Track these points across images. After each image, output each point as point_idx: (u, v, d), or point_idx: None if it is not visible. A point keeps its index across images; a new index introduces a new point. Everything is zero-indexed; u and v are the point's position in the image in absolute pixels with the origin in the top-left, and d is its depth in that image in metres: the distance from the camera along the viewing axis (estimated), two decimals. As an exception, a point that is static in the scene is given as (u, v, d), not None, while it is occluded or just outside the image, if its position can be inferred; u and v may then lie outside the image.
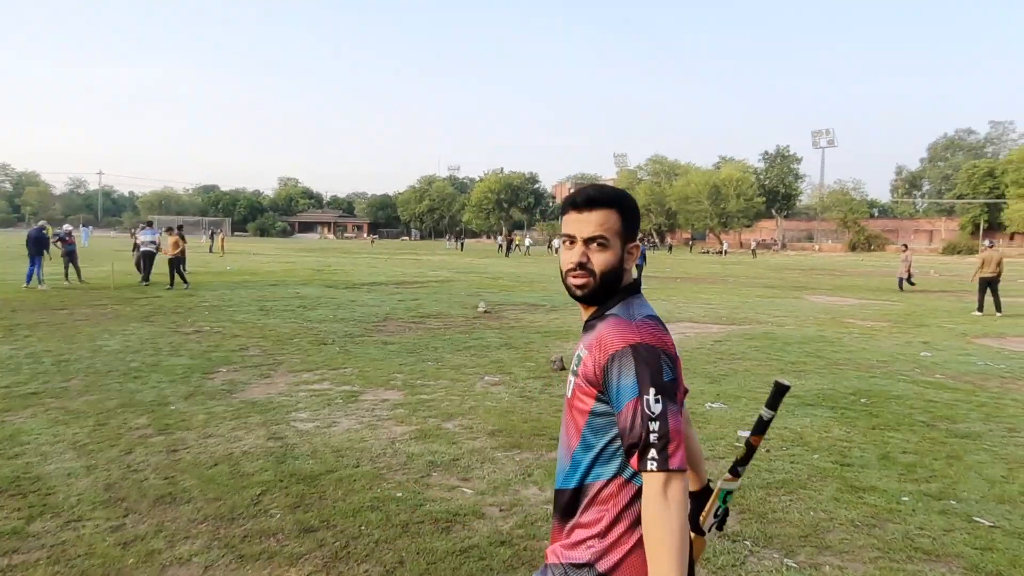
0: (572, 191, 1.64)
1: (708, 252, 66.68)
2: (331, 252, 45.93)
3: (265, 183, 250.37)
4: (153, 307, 12.99)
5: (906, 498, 4.27)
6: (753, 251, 58.29)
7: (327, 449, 4.79)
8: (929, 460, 5.02)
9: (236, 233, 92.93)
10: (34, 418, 5.41)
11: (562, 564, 1.49)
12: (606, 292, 1.53)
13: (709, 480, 1.78)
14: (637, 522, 1.44)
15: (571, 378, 1.54)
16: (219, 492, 3.99)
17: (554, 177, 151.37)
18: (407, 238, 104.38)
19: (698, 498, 1.72)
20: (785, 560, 3.43)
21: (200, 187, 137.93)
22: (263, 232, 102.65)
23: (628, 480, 1.45)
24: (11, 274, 19.53)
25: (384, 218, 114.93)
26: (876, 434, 5.65)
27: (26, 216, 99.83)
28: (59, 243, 18.78)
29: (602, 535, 1.46)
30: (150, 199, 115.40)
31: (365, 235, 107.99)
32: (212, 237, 42.66)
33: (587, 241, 1.52)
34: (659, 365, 1.38)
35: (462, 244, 60.43)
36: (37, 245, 16.71)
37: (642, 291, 1.63)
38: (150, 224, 21.32)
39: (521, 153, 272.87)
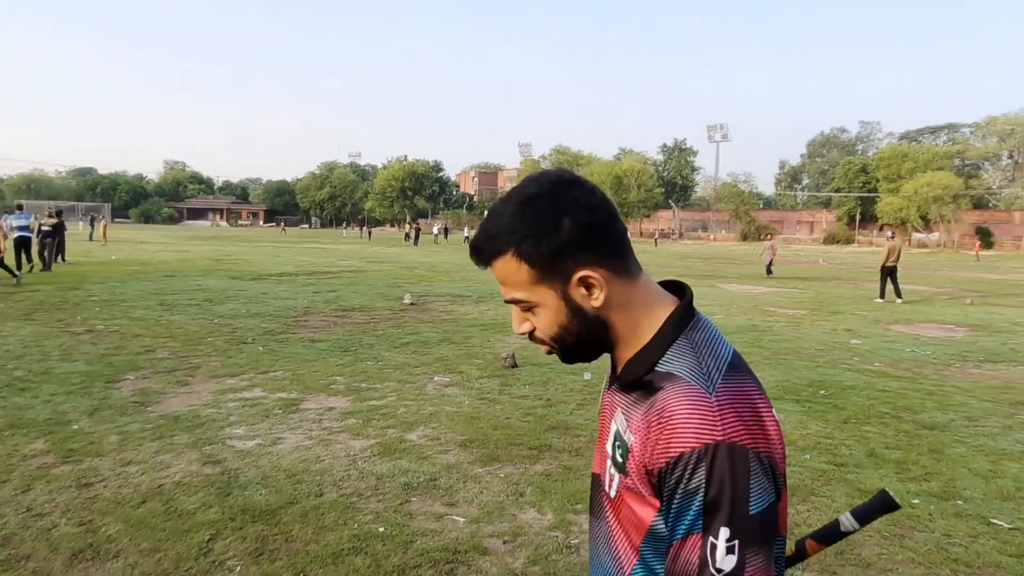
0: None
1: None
2: (228, 240, 43.27)
3: (149, 167, 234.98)
4: (32, 302, 11.42)
5: (916, 500, 4.07)
6: (656, 240, 59.95)
7: (279, 474, 4.07)
8: (915, 456, 4.89)
9: (117, 220, 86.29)
10: None
11: None
12: (593, 347, 1.01)
13: None
14: None
15: (614, 473, 0.98)
16: (155, 540, 3.21)
17: (458, 166, 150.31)
18: (307, 226, 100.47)
19: None
20: (834, 584, 3.09)
21: (75, 170, 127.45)
22: (148, 219, 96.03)
23: None
24: None
25: (282, 205, 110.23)
26: (852, 428, 5.51)
27: None
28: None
29: None
30: (16, 182, 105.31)
31: (261, 222, 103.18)
32: (92, 224, 39.13)
33: (516, 305, 1.01)
34: (747, 485, 0.84)
35: (370, 232, 58.51)
36: None
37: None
38: (20, 208, 19.84)
39: (424, 141, 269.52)
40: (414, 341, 8.70)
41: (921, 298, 16.88)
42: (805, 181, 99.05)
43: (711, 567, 0.83)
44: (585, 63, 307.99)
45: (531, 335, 1.02)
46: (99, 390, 5.90)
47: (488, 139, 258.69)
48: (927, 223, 63.11)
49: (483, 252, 0.98)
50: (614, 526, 1.00)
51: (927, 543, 3.50)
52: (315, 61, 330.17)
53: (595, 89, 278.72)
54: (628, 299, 0.98)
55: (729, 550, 0.83)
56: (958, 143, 72.89)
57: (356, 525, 3.43)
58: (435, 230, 55.13)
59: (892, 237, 16.89)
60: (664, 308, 0.99)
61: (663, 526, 0.90)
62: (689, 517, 0.85)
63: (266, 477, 4.02)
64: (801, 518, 3.75)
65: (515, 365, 7.25)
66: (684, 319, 0.97)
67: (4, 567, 2.96)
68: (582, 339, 1.00)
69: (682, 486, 0.85)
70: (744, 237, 73.28)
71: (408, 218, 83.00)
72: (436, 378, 6.75)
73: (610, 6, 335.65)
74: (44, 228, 18.78)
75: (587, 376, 6.96)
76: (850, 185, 74.12)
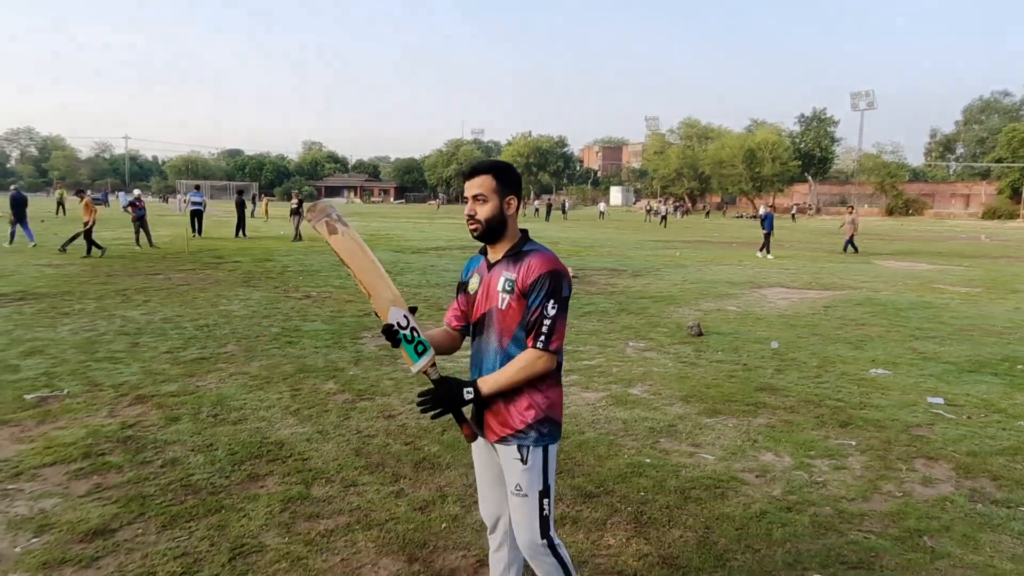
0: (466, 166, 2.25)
1: (742, 216, 65.84)
2: (368, 216, 45.92)
3: (289, 147, 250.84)
4: (243, 271, 13.07)
5: None
6: (793, 216, 57.45)
7: (540, 415, 4.81)
8: None
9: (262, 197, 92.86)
10: (223, 383, 5.47)
11: (528, 427, 2.10)
12: (493, 233, 2.14)
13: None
14: (542, 387, 2.12)
15: (504, 296, 2.10)
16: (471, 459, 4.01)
17: (581, 141, 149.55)
18: (434, 202, 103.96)
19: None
20: (1076, 528, 3.39)
21: (224, 151, 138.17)
22: (290, 197, 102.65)
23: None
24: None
25: (410, 182, 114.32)
26: (1062, 401, 5.56)
27: (53, 180, 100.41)
28: (129, 208, 19.01)
29: (535, 406, 2.12)
30: (177, 164, 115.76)
31: (392, 199, 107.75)
32: (254, 201, 42.72)
33: (474, 198, 2.11)
34: (562, 285, 2.05)
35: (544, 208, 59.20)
36: (19, 207, 17.82)
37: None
38: (197, 188, 25.30)
39: (546, 116, 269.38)
40: (594, 311, 9.33)
41: (1110, 277, 15.57)
42: (960, 151, 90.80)
43: (546, 312, 2.02)
44: (715, 32, 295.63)
45: (471, 216, 2.12)
46: (349, 344, 6.95)
47: (611, 113, 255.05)
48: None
49: (480, 169, 2.14)
50: (500, 325, 2.11)
51: None
52: (438, 40, 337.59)
53: (726, 58, 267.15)
54: (514, 219, 2.17)
55: (552, 307, 2.02)
56: None
57: (626, 456, 4.08)
58: (566, 205, 55.44)
59: None
60: (520, 230, 2.19)
61: (527, 312, 2.06)
62: (540, 297, 2.03)
63: (530, 417, 4.75)
64: (1031, 474, 4.03)
65: (701, 333, 7.70)
66: (528, 234, 2.21)
67: (367, 470, 3.83)
68: (495, 223, 2.12)
69: (539, 285, 2.04)
70: (890, 212, 68.61)
71: (533, 194, 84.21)
72: (631, 343, 7.33)
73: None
74: (293, 206, 23.26)
75: (775, 344, 7.31)
76: (1014, 155, 67.26)
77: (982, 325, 9.00)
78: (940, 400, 5.46)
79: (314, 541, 3.04)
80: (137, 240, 18.19)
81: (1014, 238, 35.81)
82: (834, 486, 3.80)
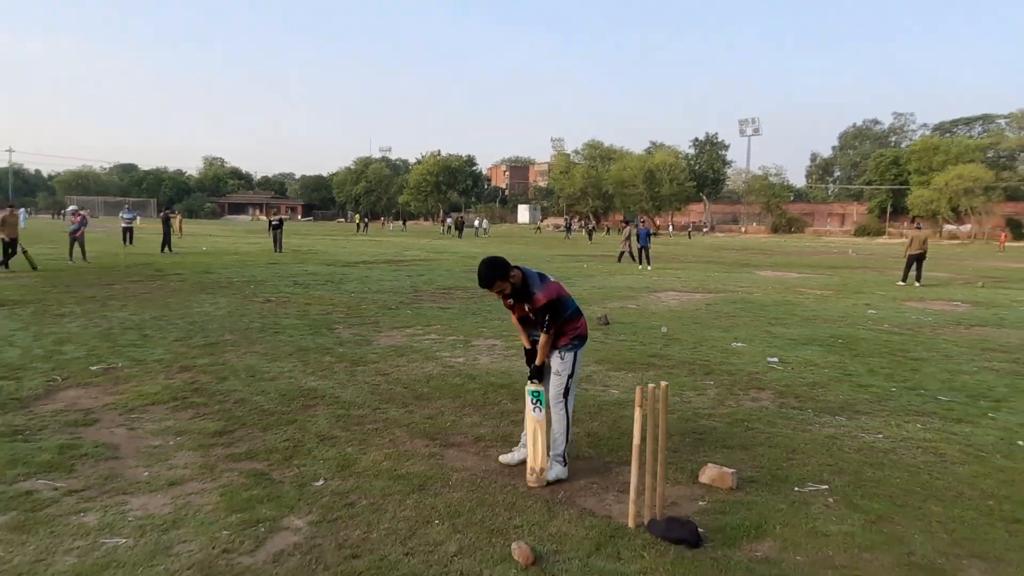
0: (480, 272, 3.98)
1: (643, 233, 70.02)
2: (285, 234, 46.06)
3: (187, 163, 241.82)
4: (193, 282, 14.10)
5: (894, 388, 6.44)
6: (689, 233, 61.90)
7: (495, 372, 6.58)
8: (900, 371, 7.23)
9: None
10: (243, 358, 6.92)
11: (567, 343, 4.05)
12: (517, 294, 3.97)
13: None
14: (569, 324, 4.08)
15: (530, 315, 3.99)
16: (453, 394, 5.74)
17: (489, 160, 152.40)
18: (343, 220, 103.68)
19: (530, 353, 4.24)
20: (836, 418, 5.49)
21: (117, 166, 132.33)
22: (191, 213, 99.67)
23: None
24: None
25: (318, 200, 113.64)
26: (859, 360, 7.84)
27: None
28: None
29: (567, 334, 4.08)
30: (67, 178, 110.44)
31: (299, 216, 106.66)
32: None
33: (502, 295, 3.98)
34: (553, 307, 3.93)
35: (454, 226, 59.53)
36: None
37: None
38: (128, 206, 28.57)
39: (454, 135, 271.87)
40: (521, 308, 11.17)
41: (938, 283, 18.88)
42: (836, 173, 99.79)
43: (545, 320, 4.01)
44: (616, 58, 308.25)
45: (509, 298, 4.02)
46: (327, 334, 8.47)
47: (516, 133, 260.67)
48: (958, 215, 63.94)
49: (491, 282, 3.93)
50: (533, 324, 4.09)
51: (896, 405, 5.88)
52: (342, 57, 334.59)
53: (627, 84, 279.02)
54: (518, 280, 4.02)
55: (547, 319, 4.00)
56: (992, 135, 73.39)
57: (559, 390, 5.90)
58: (476, 223, 57.31)
59: (919, 228, 18.87)
60: (518, 270, 4.07)
61: (538, 319, 4.05)
62: (544, 316, 4.00)
63: (487, 372, 6.52)
64: (820, 393, 6.16)
65: (607, 323, 9.69)
66: (526, 277, 4.05)
67: (383, 401, 5.48)
68: (516, 292, 3.98)
69: (541, 312, 3.99)
70: (775, 230, 74.74)
71: (442, 211, 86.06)
72: (554, 329, 9.22)
73: (640, 2, 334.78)
74: (274, 222, 25.38)
75: (664, 329, 9.38)
76: (881, 178, 74.93)
77: (823, 315, 11.47)
78: (775, 359, 7.63)
79: (367, 433, 4.70)
80: (71, 254, 18.65)
81: (878, 252, 40.60)
82: (696, 403, 5.77)
